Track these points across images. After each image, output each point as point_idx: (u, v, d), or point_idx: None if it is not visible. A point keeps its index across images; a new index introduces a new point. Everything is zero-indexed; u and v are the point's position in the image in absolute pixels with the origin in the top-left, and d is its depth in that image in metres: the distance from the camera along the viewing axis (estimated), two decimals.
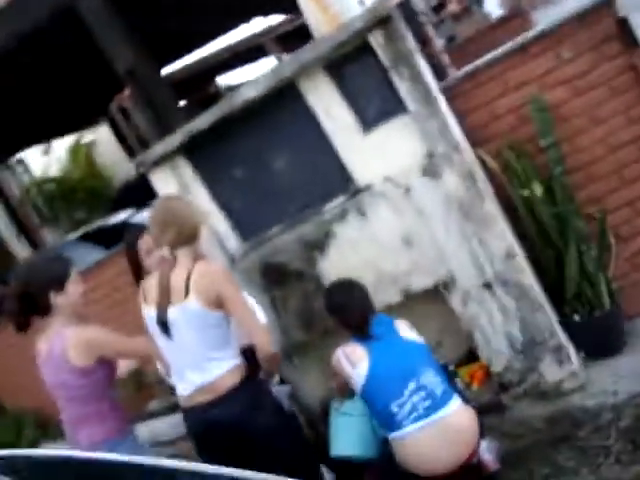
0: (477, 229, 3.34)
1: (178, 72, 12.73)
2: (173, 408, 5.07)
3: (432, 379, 2.92)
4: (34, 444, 6.56)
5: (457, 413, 2.90)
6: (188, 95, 14.76)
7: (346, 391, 3.18)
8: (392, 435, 2.92)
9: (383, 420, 2.96)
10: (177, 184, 3.73)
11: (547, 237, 3.55)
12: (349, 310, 3.08)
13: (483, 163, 3.59)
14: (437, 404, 2.87)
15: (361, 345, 2.99)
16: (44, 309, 2.97)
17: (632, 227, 3.62)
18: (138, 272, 3.30)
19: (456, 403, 2.91)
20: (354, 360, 2.96)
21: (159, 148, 3.68)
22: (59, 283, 2.95)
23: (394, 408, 2.86)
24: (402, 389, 2.87)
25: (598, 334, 3.57)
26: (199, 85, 15.05)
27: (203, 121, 3.55)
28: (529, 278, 3.41)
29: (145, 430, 4.83)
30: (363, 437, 3.25)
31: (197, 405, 2.83)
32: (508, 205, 3.60)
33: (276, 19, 13.08)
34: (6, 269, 10.27)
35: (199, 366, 2.79)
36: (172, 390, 3.15)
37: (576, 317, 3.58)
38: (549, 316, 3.41)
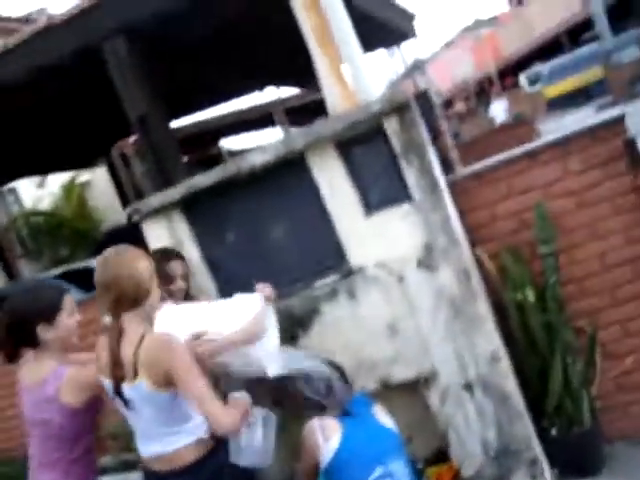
0: (465, 327, 3.29)
1: (183, 129, 12.87)
2: (126, 465, 4.88)
3: (401, 469, 2.82)
4: None
5: None
6: (189, 153, 14.92)
7: (312, 476, 3.04)
8: None
9: None
10: (170, 238, 3.68)
11: (534, 345, 3.50)
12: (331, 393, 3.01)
13: (479, 262, 3.57)
14: None
15: (336, 420, 2.92)
16: (32, 342, 2.74)
17: (621, 346, 3.59)
18: None
19: None
20: (327, 433, 2.88)
21: (157, 199, 3.64)
22: (48, 315, 2.68)
23: None
24: (368, 472, 2.75)
25: (575, 452, 3.48)
26: (202, 145, 15.24)
27: (206, 179, 3.53)
28: (511, 385, 3.33)
29: None
30: None
31: (155, 471, 2.65)
32: (499, 307, 3.56)
33: (288, 91, 13.37)
34: None
35: (158, 438, 2.56)
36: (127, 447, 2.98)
37: (554, 431, 3.50)
38: (527, 426, 3.32)
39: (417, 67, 13.12)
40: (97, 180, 17.13)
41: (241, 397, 2.65)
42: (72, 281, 7.50)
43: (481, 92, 34.80)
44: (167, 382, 2.42)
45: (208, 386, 2.47)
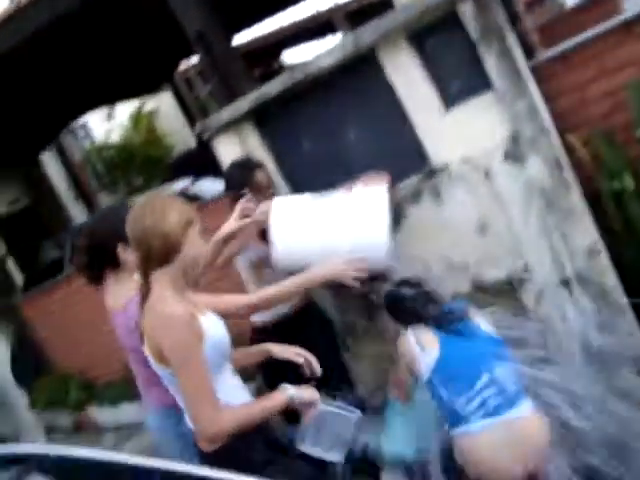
0: (559, 221, 3.09)
1: (242, 45, 12.62)
2: None
3: (504, 373, 2.68)
4: (79, 406, 6.60)
5: (529, 417, 2.66)
6: (252, 69, 14.65)
7: (403, 390, 2.99)
8: (455, 430, 2.69)
9: (448, 413, 2.71)
10: (242, 152, 3.57)
11: (635, 235, 3.27)
12: (424, 310, 2.85)
13: (570, 150, 3.32)
14: (509, 403, 2.63)
15: (433, 331, 2.78)
16: (112, 263, 2.64)
17: None
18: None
19: (528, 406, 2.68)
20: (424, 343, 2.75)
21: (225, 113, 3.52)
22: (126, 235, 2.31)
23: (462, 401, 2.63)
24: (473, 381, 2.63)
25: None
26: (263, 60, 14.94)
27: (273, 87, 3.38)
28: (612, 279, 3.15)
29: None
30: (420, 438, 3.04)
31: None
32: (594, 197, 3.33)
33: None
34: (62, 232, 10.41)
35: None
36: None
37: None
38: (631, 323, 3.15)
39: None
40: (164, 107, 17.11)
41: (291, 393, 2.26)
42: None
43: None
44: (162, 358, 2.13)
45: (204, 381, 2.12)
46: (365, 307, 3.54)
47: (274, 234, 3.00)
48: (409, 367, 2.84)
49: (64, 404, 6.74)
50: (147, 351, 2.21)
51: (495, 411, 2.61)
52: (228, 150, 3.60)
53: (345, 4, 12.80)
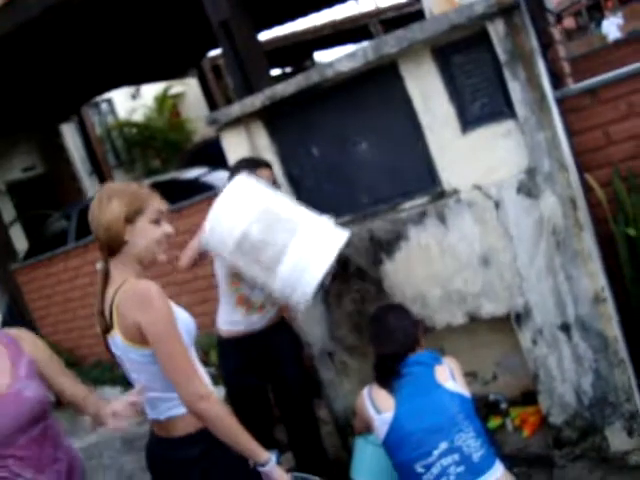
0: (567, 262, 2.94)
1: (275, 40, 12.53)
2: None
3: (470, 441, 2.50)
4: None
5: None
6: (281, 66, 14.56)
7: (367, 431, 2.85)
8: None
9: (406, 478, 2.57)
10: (249, 150, 3.46)
11: None
12: (384, 344, 2.74)
13: (588, 190, 3.18)
14: (473, 472, 2.45)
15: (390, 389, 2.64)
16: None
17: None
18: None
19: (497, 472, 2.49)
20: (379, 405, 2.63)
21: (236, 108, 3.41)
22: (131, 215, 2.15)
23: (419, 468, 2.47)
24: (431, 448, 2.47)
25: None
26: (295, 58, 14.86)
27: (288, 87, 3.25)
28: (615, 329, 2.99)
29: None
30: (387, 471, 2.89)
31: (156, 435, 2.28)
32: (606, 241, 3.18)
33: (384, 2, 12.72)
34: (71, 205, 10.36)
35: (151, 401, 2.19)
36: None
37: None
38: (629, 376, 2.99)
39: None
40: (190, 92, 17.10)
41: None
42: (160, 191, 7.52)
43: (594, 7, 32.38)
44: (138, 339, 2.05)
45: (188, 353, 2.09)
46: (356, 324, 3.43)
47: (213, 209, 2.86)
48: (365, 424, 2.73)
49: None
50: (117, 335, 2.09)
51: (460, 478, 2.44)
52: (235, 145, 3.49)
53: (382, 11, 12.68)
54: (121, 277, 2.12)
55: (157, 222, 2.16)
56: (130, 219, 2.11)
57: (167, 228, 2.20)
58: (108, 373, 6.04)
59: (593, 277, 2.93)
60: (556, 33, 3.57)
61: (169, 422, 2.19)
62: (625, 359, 3.00)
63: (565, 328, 3.02)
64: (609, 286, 3.10)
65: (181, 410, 2.14)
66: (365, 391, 2.73)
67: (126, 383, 5.68)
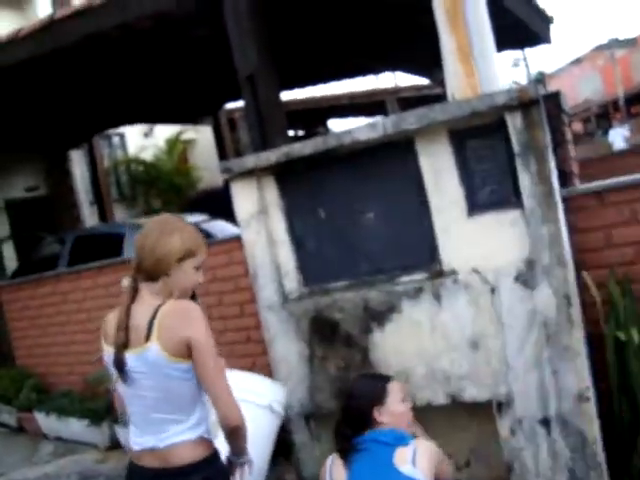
0: (555, 357, 2.96)
1: (293, 102, 12.78)
2: None
3: None
4: (27, 407, 6.40)
5: None
6: (295, 128, 14.79)
7: None
8: None
9: None
10: (257, 203, 3.50)
11: (630, 392, 3.12)
12: (342, 413, 2.79)
13: (583, 289, 3.21)
14: None
15: (345, 461, 2.66)
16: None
17: None
18: None
19: None
20: (334, 476, 2.66)
21: (251, 160, 3.47)
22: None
23: None
24: None
25: None
26: (308, 122, 15.12)
27: (305, 148, 3.33)
28: (595, 430, 2.98)
29: None
30: None
31: (144, 467, 2.25)
32: (594, 341, 3.20)
33: (403, 81, 13.04)
34: (67, 231, 10.36)
35: (155, 426, 2.22)
36: None
37: None
38: None
39: (539, 80, 12.54)
40: (202, 140, 17.31)
41: None
42: None
43: (602, 116, 33.26)
44: (182, 352, 2.13)
45: (225, 372, 2.20)
46: (337, 391, 3.40)
47: None
48: None
49: (13, 401, 6.55)
50: (154, 347, 2.13)
51: None
52: (244, 196, 3.54)
53: (401, 89, 13.00)
54: (153, 298, 2.20)
55: (198, 269, 2.29)
56: (182, 258, 2.23)
57: (200, 278, 2.31)
58: (77, 404, 5.91)
59: (579, 375, 2.94)
60: (568, 133, 3.66)
61: (171, 449, 2.19)
62: (602, 463, 2.98)
63: (545, 423, 3.01)
64: (594, 387, 3.11)
65: (187, 436, 2.18)
66: (328, 460, 2.74)
67: (94, 417, 5.60)
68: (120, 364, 2.17)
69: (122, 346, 2.17)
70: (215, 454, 2.26)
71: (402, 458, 2.58)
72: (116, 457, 5.39)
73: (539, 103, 2.91)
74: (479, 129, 3.04)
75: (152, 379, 2.16)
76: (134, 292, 2.22)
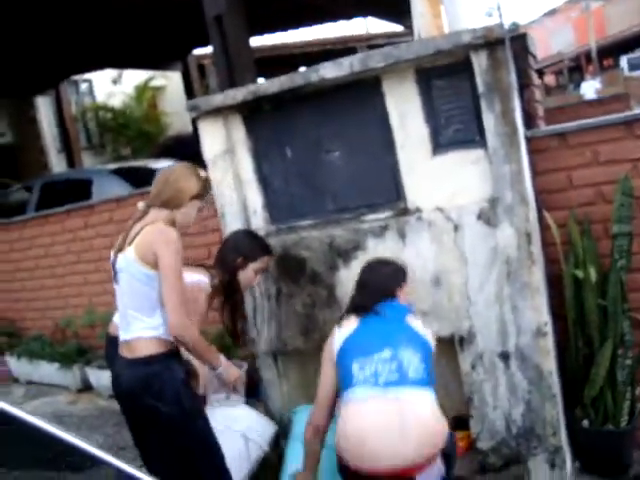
0: (515, 293, 3.04)
1: (263, 49, 12.59)
2: None
3: (412, 358, 2.52)
4: None
5: (423, 404, 2.47)
6: (265, 76, 14.56)
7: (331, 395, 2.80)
8: (343, 396, 2.55)
9: (343, 377, 2.60)
10: (224, 142, 3.49)
11: (585, 327, 3.23)
12: (364, 292, 2.84)
13: (544, 228, 3.29)
14: (403, 382, 2.46)
15: (358, 315, 2.75)
16: None
17: None
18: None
19: (427, 396, 2.50)
20: (343, 325, 2.75)
21: (218, 98, 3.44)
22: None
23: (355, 367, 2.52)
24: (373, 351, 2.53)
25: (603, 449, 3.25)
26: (279, 69, 14.90)
27: (271, 86, 3.31)
28: (551, 364, 3.09)
29: None
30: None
31: (121, 356, 2.75)
32: (555, 279, 3.29)
33: (376, 27, 12.90)
34: (35, 178, 10.22)
35: (127, 321, 2.71)
36: None
37: (585, 423, 3.27)
38: (559, 411, 3.09)
39: (512, 30, 12.56)
40: (171, 86, 17.04)
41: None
42: (124, 177, 7.49)
43: (575, 68, 33.32)
44: (147, 260, 2.59)
45: (183, 288, 2.59)
46: (304, 328, 3.46)
47: None
48: (329, 352, 2.75)
49: None
50: (131, 251, 2.62)
51: (385, 384, 2.46)
52: (211, 135, 3.52)
53: (373, 36, 12.88)
54: (156, 217, 2.69)
55: (200, 210, 2.86)
56: (192, 197, 2.77)
57: (195, 215, 2.85)
58: (48, 348, 5.94)
59: (538, 311, 3.03)
60: (534, 76, 3.69)
61: (135, 342, 2.66)
62: (557, 394, 3.10)
63: (505, 357, 3.11)
64: (552, 323, 3.21)
65: (147, 334, 2.64)
66: (336, 326, 2.81)
67: (65, 360, 5.64)
68: (114, 263, 2.71)
69: (118, 249, 2.71)
70: (173, 353, 2.69)
71: (413, 320, 2.75)
72: (87, 399, 5.47)
73: (504, 43, 2.92)
74: (445, 68, 3.04)
75: (126, 277, 2.66)
76: (143, 214, 2.71)
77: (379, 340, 2.59)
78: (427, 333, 2.75)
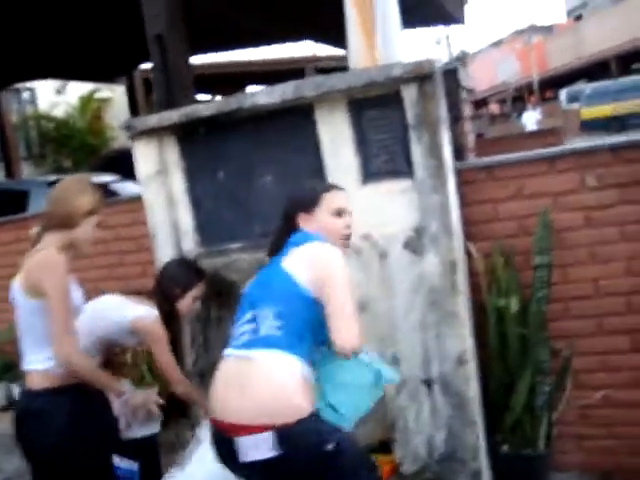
0: (439, 321, 3.12)
1: (205, 66, 12.59)
2: None
3: (267, 318, 2.34)
4: None
5: (268, 367, 2.27)
6: (209, 93, 14.57)
7: None
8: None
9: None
10: (157, 162, 3.50)
11: (506, 356, 3.33)
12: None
13: (469, 258, 3.38)
14: (253, 343, 2.33)
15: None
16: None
17: (594, 378, 3.40)
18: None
19: (278, 358, 2.28)
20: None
21: (153, 119, 3.45)
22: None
23: (233, 330, 2.47)
24: (243, 313, 2.45)
25: (522, 473, 3.33)
26: (224, 88, 14.94)
27: (206, 109, 3.34)
28: (473, 391, 3.17)
29: None
30: None
31: (24, 387, 2.71)
32: (478, 309, 3.38)
33: (325, 51, 13.07)
34: None
35: (24, 351, 2.63)
36: None
37: (505, 448, 3.35)
38: (479, 437, 3.17)
39: (460, 59, 12.88)
40: (118, 99, 16.86)
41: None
42: None
43: (518, 98, 34.37)
44: (31, 291, 2.51)
45: (71, 315, 2.51)
46: None
47: None
48: None
49: None
50: (19, 287, 2.55)
51: (238, 345, 2.38)
52: (145, 155, 3.53)
53: (320, 59, 13.03)
54: (46, 246, 2.54)
55: (99, 224, 2.69)
56: (87, 214, 2.61)
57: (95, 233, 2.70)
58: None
59: (460, 339, 3.11)
60: (466, 109, 3.81)
61: (29, 374, 2.60)
62: (477, 421, 3.17)
63: (428, 383, 3.17)
64: (476, 351, 3.29)
65: (38, 366, 2.56)
66: None
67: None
68: (11, 293, 2.62)
69: (15, 279, 2.61)
70: (63, 388, 2.54)
71: (291, 254, 2.45)
72: (11, 417, 5.30)
73: (433, 77, 3.02)
74: (377, 100, 3.12)
75: (17, 309, 2.61)
76: (38, 239, 2.59)
77: (249, 300, 2.48)
78: (303, 275, 2.36)
